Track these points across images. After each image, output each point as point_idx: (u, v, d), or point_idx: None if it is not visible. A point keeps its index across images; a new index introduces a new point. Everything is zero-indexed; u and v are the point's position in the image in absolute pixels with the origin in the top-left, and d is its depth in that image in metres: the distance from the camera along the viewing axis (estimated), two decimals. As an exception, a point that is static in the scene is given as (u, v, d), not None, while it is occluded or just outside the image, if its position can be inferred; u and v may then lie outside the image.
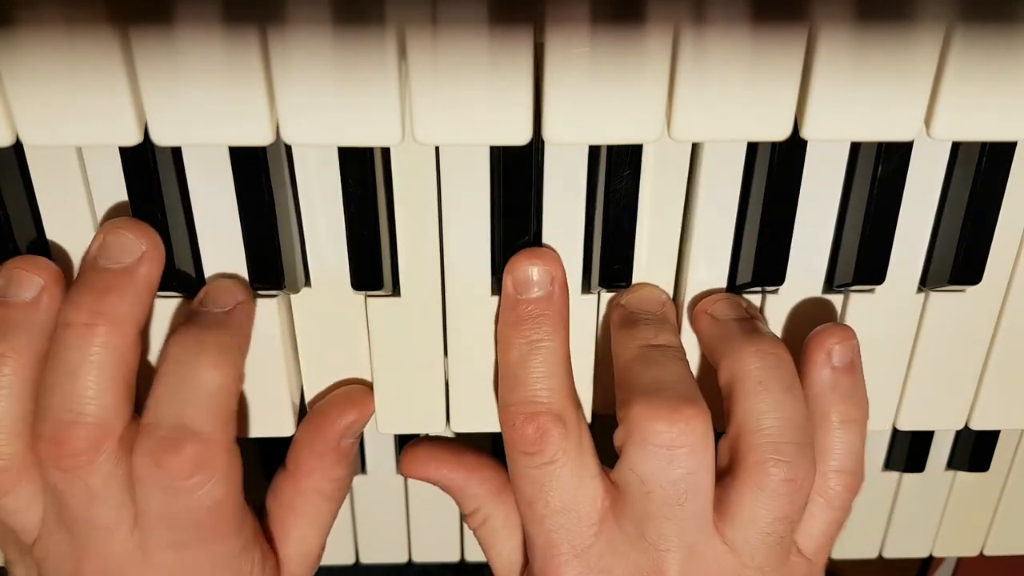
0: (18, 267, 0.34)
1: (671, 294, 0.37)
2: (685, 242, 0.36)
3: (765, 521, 0.33)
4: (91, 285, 0.33)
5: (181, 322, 0.34)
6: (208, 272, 0.36)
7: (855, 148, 0.34)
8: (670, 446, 0.32)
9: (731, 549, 0.34)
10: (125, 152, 0.33)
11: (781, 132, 0.30)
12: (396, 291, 0.36)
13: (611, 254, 0.35)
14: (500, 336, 0.36)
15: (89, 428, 0.32)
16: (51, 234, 0.35)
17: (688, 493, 0.33)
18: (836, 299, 0.37)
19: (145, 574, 0.34)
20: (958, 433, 0.46)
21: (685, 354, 0.36)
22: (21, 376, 0.33)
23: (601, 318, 0.37)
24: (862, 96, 0.29)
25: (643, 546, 0.34)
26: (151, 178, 0.33)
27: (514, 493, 0.36)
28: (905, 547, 0.50)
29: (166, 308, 0.36)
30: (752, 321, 0.36)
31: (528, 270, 0.35)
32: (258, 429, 0.38)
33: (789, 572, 0.35)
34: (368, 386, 0.39)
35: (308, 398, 0.39)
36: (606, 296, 0.37)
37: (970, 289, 0.37)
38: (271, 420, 0.38)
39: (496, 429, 0.39)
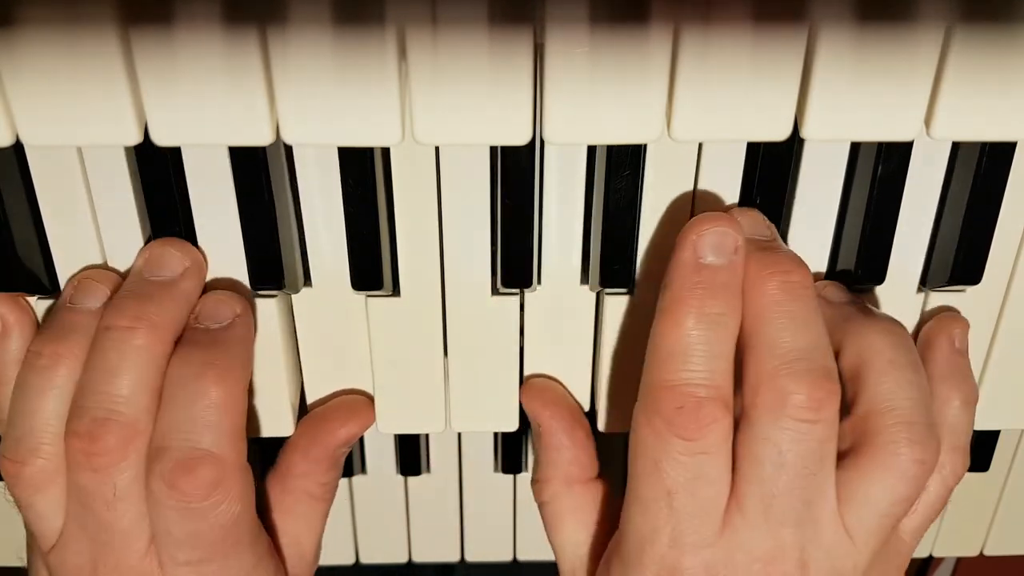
0: (88, 278, 0.35)
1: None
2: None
3: (886, 503, 0.32)
4: (135, 293, 0.34)
5: (182, 342, 0.34)
6: (211, 273, 0.36)
7: (855, 148, 0.34)
8: (811, 418, 0.31)
9: (848, 532, 0.33)
10: (137, 152, 0.33)
11: (781, 132, 0.30)
12: (396, 291, 0.36)
13: (611, 254, 0.35)
14: (669, 303, 0.33)
15: (122, 427, 0.32)
16: (51, 234, 0.35)
17: (822, 462, 0.32)
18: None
19: None
20: (958, 433, 0.46)
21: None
22: (73, 379, 0.33)
23: (603, 318, 0.37)
24: (862, 96, 0.29)
25: (769, 526, 0.32)
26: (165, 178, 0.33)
27: (638, 481, 0.33)
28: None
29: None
30: (866, 304, 0.35)
31: (716, 233, 0.32)
32: (257, 429, 0.38)
33: (889, 553, 0.34)
34: (369, 398, 0.39)
35: (309, 399, 0.39)
36: (606, 296, 0.37)
37: (970, 289, 0.37)
38: (270, 421, 0.38)
39: (497, 429, 0.40)
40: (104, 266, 0.35)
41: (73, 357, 0.34)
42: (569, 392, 0.39)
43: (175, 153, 0.33)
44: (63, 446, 0.33)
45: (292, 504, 0.38)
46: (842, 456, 0.33)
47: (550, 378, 0.39)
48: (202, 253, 0.35)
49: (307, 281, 0.36)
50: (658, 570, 0.33)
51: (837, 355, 0.34)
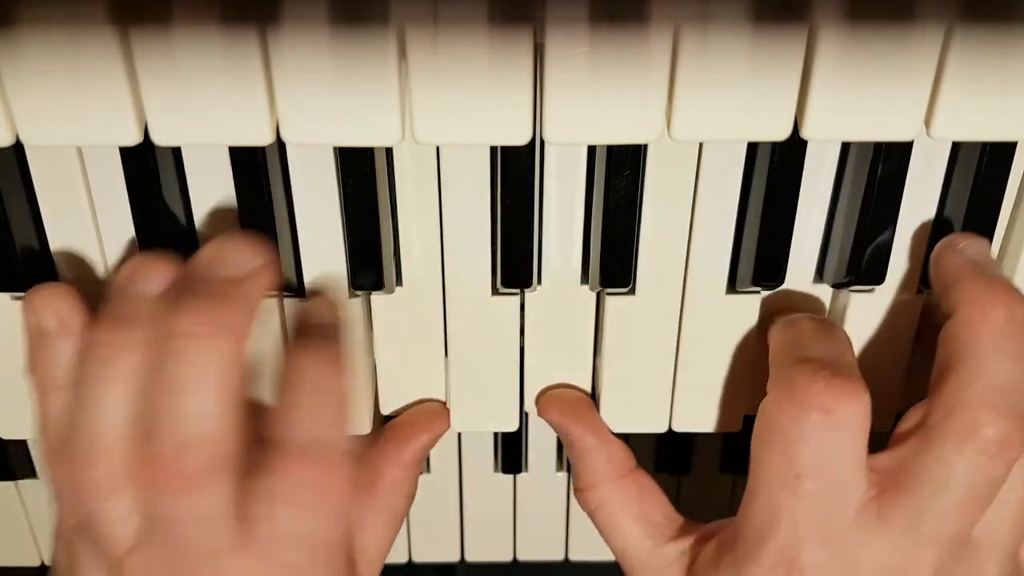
0: (145, 262, 0.32)
1: (671, 295, 0.37)
2: (686, 242, 0.36)
3: (1008, 525, 0.32)
4: (210, 295, 0.30)
5: (294, 334, 0.34)
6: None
7: (853, 147, 0.34)
8: (995, 455, 0.30)
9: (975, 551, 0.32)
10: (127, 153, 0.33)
11: (781, 132, 0.30)
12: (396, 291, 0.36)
13: (611, 254, 0.35)
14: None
15: (209, 451, 0.29)
16: (51, 234, 0.35)
17: (986, 499, 0.31)
18: (841, 302, 0.37)
19: None
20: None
21: None
22: (136, 374, 0.30)
23: (604, 318, 0.37)
24: (862, 96, 0.29)
25: (910, 541, 0.31)
26: (154, 178, 0.33)
27: (770, 460, 0.32)
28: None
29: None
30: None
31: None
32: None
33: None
34: (443, 405, 0.39)
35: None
36: (606, 296, 0.37)
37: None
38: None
39: (497, 429, 0.40)
40: (105, 266, 0.36)
41: (136, 348, 0.30)
42: (580, 391, 0.39)
43: (176, 153, 0.33)
44: (134, 448, 0.30)
45: (377, 518, 0.37)
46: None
47: (560, 386, 0.39)
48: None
49: (301, 283, 0.36)
50: (775, 564, 0.32)
51: None
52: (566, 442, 0.38)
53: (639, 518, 0.37)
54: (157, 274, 0.32)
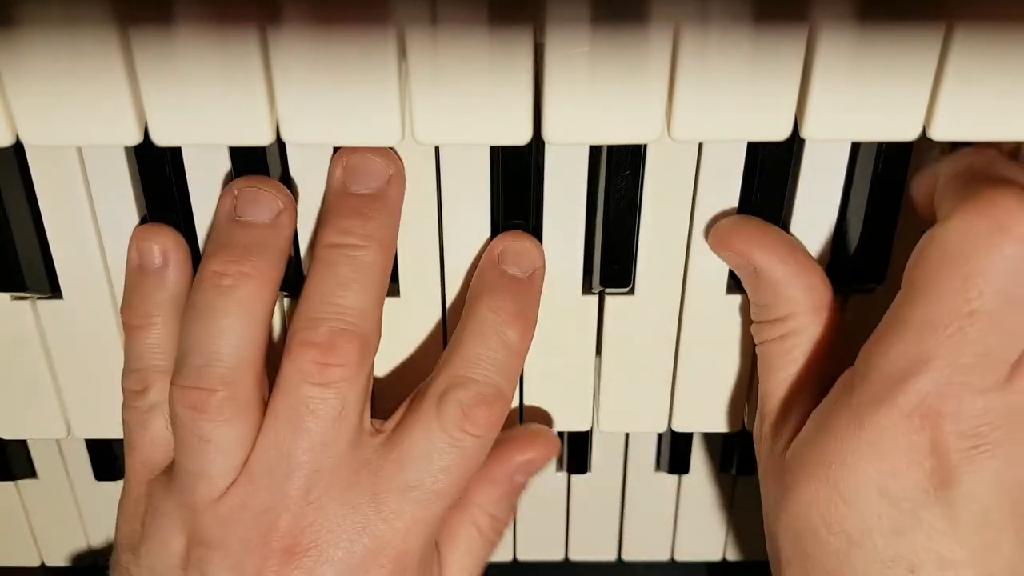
0: (253, 186, 0.33)
1: (671, 295, 0.37)
2: (686, 242, 0.36)
3: None
4: (354, 210, 0.33)
5: (486, 284, 0.34)
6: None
7: (855, 148, 0.34)
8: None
9: None
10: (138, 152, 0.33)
11: (781, 132, 0.30)
12: (396, 291, 0.36)
13: (611, 254, 0.35)
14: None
15: (361, 339, 0.32)
16: (51, 234, 0.35)
17: None
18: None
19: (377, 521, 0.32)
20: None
21: None
22: (262, 299, 0.32)
23: (604, 318, 0.37)
24: (862, 96, 0.29)
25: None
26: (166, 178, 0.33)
27: (943, 288, 0.28)
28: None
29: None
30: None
31: None
32: None
33: None
34: (551, 432, 0.39)
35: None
36: (607, 296, 0.37)
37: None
38: None
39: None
40: (106, 266, 0.36)
41: (260, 276, 0.32)
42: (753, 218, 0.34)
43: (175, 153, 0.33)
44: (255, 376, 0.32)
45: (457, 534, 0.37)
46: None
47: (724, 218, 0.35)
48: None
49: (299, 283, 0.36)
50: (911, 411, 0.28)
51: None
52: (751, 277, 0.34)
53: (816, 359, 0.33)
54: (265, 198, 0.33)
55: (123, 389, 0.35)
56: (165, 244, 0.34)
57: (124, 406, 0.35)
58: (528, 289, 0.35)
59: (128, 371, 0.35)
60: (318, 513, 0.32)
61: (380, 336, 0.33)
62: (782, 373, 0.34)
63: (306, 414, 0.32)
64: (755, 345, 0.36)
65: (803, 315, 0.33)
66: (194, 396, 0.31)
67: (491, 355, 0.33)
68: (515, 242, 0.34)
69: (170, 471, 0.34)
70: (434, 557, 0.35)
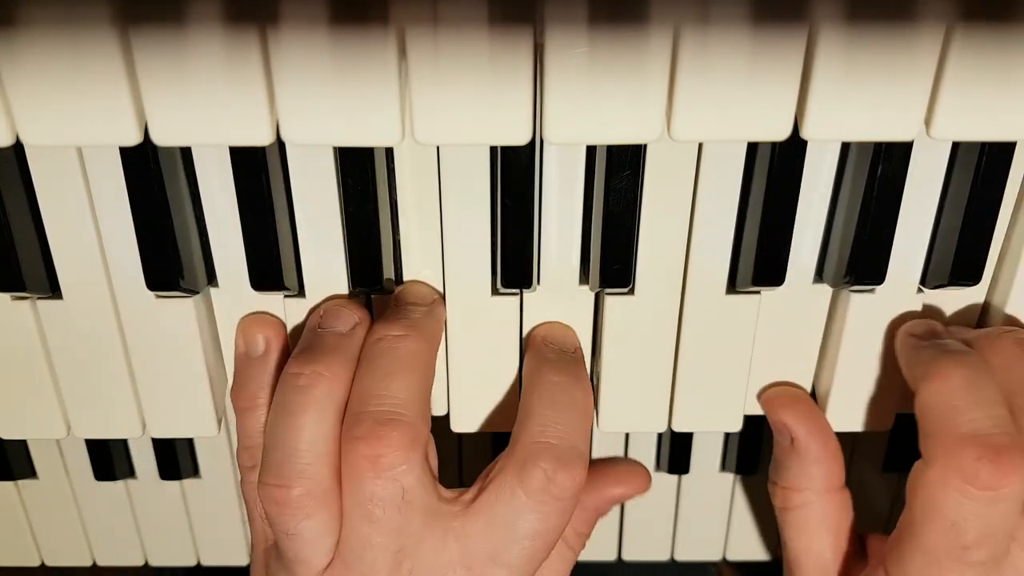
0: (338, 305, 0.36)
1: (671, 295, 0.37)
2: (686, 242, 0.36)
3: None
4: (402, 313, 0.35)
5: (544, 358, 0.36)
6: (220, 271, 0.36)
7: (853, 148, 0.34)
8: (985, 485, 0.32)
9: None
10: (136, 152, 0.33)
11: (781, 132, 0.30)
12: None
13: (611, 254, 0.35)
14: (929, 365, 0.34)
15: (404, 426, 0.32)
16: (51, 234, 0.35)
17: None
18: (842, 303, 0.37)
19: None
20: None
21: None
22: (333, 397, 0.34)
23: (603, 318, 0.37)
24: (862, 96, 0.29)
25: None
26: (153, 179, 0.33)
27: (937, 528, 0.33)
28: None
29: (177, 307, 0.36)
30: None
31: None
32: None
33: None
34: (644, 468, 0.40)
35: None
36: (606, 296, 0.37)
37: (970, 289, 0.37)
38: None
39: (497, 429, 0.39)
40: (104, 266, 0.36)
41: (333, 376, 0.34)
42: (803, 390, 0.39)
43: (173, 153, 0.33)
44: (331, 468, 0.33)
45: (553, 554, 0.37)
46: None
47: (791, 384, 0.39)
48: None
49: (301, 284, 0.36)
50: None
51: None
52: (785, 444, 0.38)
53: (829, 531, 0.38)
54: (345, 314, 0.36)
55: (239, 466, 0.37)
56: (267, 333, 0.36)
57: (241, 481, 0.37)
58: (580, 360, 0.37)
59: (241, 448, 0.37)
60: None
61: (429, 423, 0.35)
62: (800, 543, 0.38)
63: (371, 506, 0.33)
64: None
65: (815, 492, 0.37)
66: (275, 493, 0.33)
67: (565, 418, 0.34)
68: (554, 328, 0.37)
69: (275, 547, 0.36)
70: None
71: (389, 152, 0.34)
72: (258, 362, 0.36)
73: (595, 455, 0.44)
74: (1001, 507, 0.32)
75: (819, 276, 0.37)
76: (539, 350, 0.37)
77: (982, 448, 0.31)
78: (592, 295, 0.37)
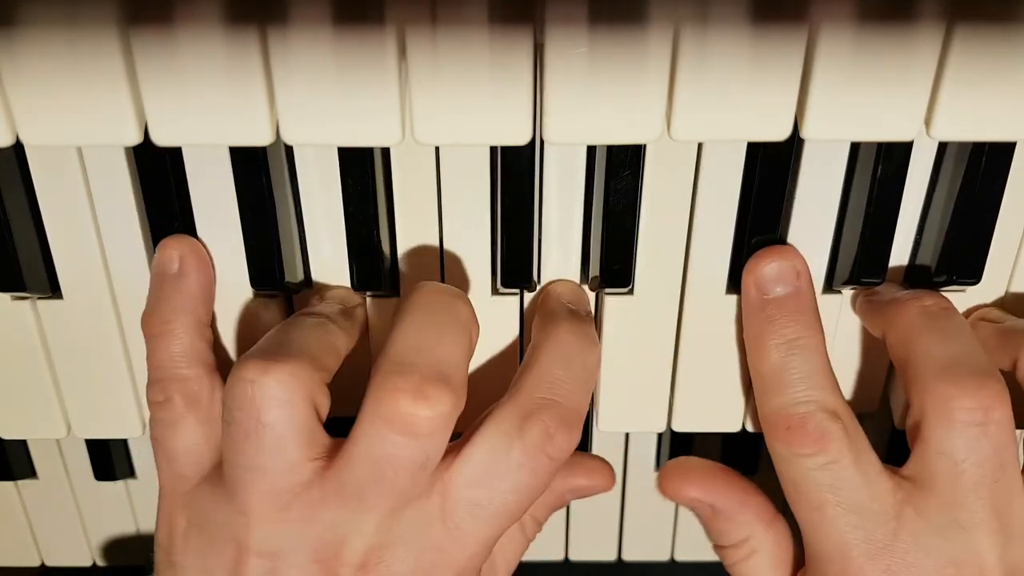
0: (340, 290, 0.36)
1: (671, 295, 0.37)
2: (686, 242, 0.36)
3: None
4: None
5: (558, 313, 0.35)
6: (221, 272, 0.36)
7: (855, 148, 0.34)
8: (982, 421, 0.31)
9: None
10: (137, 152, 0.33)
11: (781, 132, 0.30)
12: (396, 291, 0.36)
13: (611, 254, 0.35)
14: (751, 342, 0.35)
15: (455, 391, 0.31)
16: (51, 234, 0.35)
17: (1003, 468, 0.32)
18: (836, 299, 0.37)
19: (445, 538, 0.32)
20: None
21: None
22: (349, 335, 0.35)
23: (603, 318, 0.37)
24: (862, 96, 0.29)
25: (955, 534, 0.32)
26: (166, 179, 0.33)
27: (795, 505, 0.34)
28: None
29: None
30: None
31: (771, 267, 0.34)
32: None
33: None
34: (606, 463, 0.39)
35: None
36: (606, 296, 0.37)
37: (970, 289, 0.37)
38: None
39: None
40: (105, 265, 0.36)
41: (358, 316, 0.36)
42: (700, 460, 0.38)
43: (175, 153, 0.33)
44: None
45: (506, 535, 0.36)
46: None
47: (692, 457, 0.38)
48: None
49: (307, 282, 0.36)
50: None
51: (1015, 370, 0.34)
52: (707, 513, 0.37)
53: (784, 567, 0.37)
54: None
55: (148, 402, 0.34)
56: (183, 251, 0.34)
57: (151, 419, 0.35)
58: (592, 323, 0.36)
59: (150, 382, 0.34)
60: (389, 534, 0.32)
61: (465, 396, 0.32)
62: None
63: (385, 464, 0.31)
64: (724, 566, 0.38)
65: (759, 533, 0.36)
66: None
67: (573, 378, 0.33)
68: (569, 286, 0.37)
69: (206, 483, 0.33)
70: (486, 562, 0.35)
71: (389, 152, 0.34)
72: (172, 281, 0.34)
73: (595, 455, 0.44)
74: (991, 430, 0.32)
75: (827, 280, 0.37)
76: (554, 303, 0.36)
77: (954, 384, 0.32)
78: (592, 295, 0.37)
